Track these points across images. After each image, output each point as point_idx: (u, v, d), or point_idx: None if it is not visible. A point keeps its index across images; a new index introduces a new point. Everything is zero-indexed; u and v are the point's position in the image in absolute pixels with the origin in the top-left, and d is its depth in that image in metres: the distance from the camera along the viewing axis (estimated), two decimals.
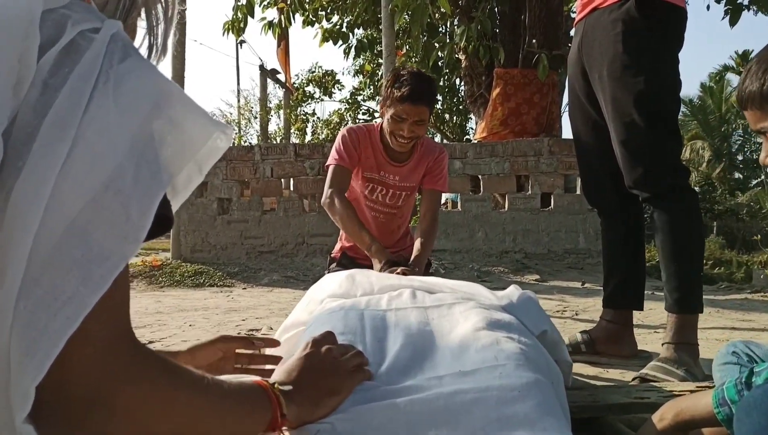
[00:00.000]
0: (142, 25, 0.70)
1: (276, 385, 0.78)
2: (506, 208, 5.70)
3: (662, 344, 1.77)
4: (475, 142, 6.89)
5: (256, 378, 0.81)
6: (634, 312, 2.07)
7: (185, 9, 0.76)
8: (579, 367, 1.98)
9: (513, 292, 1.34)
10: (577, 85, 2.03)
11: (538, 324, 1.26)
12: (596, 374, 1.89)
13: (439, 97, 12.74)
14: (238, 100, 15.06)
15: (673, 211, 1.77)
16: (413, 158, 2.41)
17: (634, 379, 1.68)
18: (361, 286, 1.38)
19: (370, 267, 2.17)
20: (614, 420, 1.23)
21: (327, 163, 2.44)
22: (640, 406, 1.25)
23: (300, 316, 1.42)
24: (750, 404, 0.75)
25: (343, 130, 2.47)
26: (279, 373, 0.88)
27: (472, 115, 9.96)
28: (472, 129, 11.58)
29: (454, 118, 12.31)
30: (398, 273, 2.00)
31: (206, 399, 0.65)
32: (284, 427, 0.77)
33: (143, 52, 0.69)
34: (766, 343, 1.24)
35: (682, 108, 25.63)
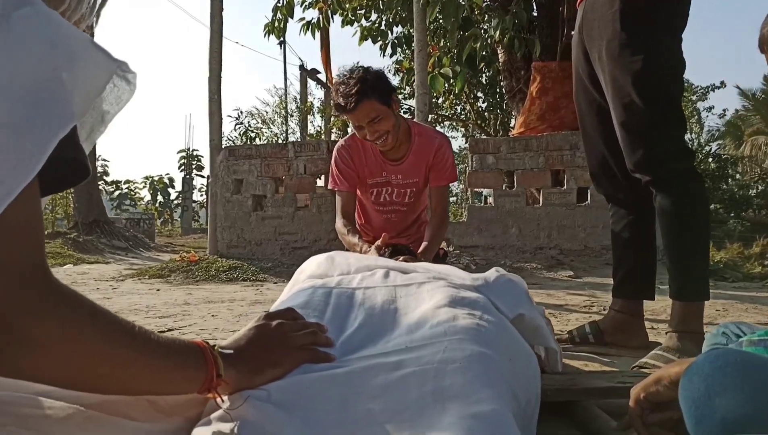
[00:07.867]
0: None
1: (216, 347, 0.79)
2: (541, 204, 5.58)
3: (665, 333, 1.70)
4: (510, 137, 6.76)
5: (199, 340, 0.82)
6: (656, 303, 1.99)
7: None
8: (585, 358, 1.92)
9: (491, 273, 1.31)
10: (580, 67, 1.98)
11: (514, 307, 1.23)
12: (601, 365, 1.82)
13: (481, 95, 12.56)
14: (286, 103, 15.29)
15: (675, 196, 1.70)
16: (410, 154, 2.37)
17: (632, 368, 1.62)
18: (339, 266, 1.38)
19: None
20: (592, 405, 1.19)
21: (329, 187, 2.47)
22: (621, 391, 1.21)
23: (284, 297, 1.44)
24: (692, 370, 0.71)
25: (334, 152, 2.45)
26: (229, 341, 0.89)
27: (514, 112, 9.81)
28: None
29: (496, 113, 12.12)
30: (401, 261, 1.99)
31: (130, 340, 0.65)
32: (220, 390, 0.78)
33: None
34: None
35: (744, 102, 24.43)
